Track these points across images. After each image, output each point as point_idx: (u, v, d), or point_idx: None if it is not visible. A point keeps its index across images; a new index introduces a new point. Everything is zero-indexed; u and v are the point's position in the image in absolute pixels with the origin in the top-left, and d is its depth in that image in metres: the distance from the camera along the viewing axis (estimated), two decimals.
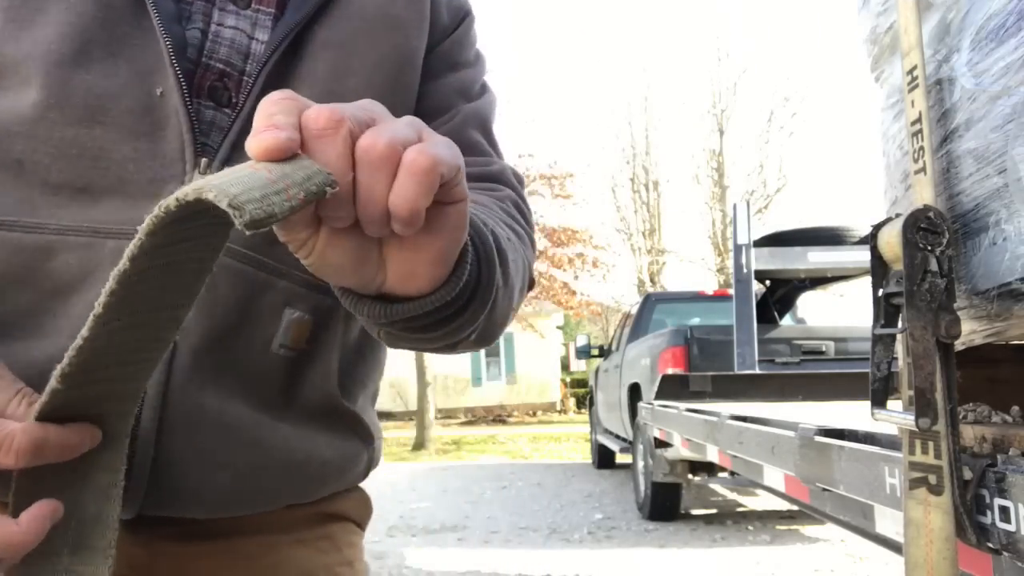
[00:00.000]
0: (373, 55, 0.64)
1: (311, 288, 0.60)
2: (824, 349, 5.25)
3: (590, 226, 15.92)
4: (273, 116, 0.36)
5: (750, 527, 5.03)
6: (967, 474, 0.77)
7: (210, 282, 0.50)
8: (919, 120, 0.83)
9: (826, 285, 5.94)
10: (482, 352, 14.81)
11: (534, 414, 18.51)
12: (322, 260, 0.39)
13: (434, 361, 13.21)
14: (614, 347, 7.75)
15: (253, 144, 0.35)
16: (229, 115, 0.59)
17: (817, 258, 4.99)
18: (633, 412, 5.73)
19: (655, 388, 4.11)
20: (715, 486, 6.38)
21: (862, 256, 4.64)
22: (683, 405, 3.12)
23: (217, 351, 0.56)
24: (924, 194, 0.81)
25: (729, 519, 5.34)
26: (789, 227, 5.91)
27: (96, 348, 0.41)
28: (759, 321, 4.99)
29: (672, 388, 3.95)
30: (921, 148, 0.82)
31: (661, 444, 4.64)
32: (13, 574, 0.44)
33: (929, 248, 0.77)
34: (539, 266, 13.68)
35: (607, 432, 7.70)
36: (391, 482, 7.56)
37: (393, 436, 13.01)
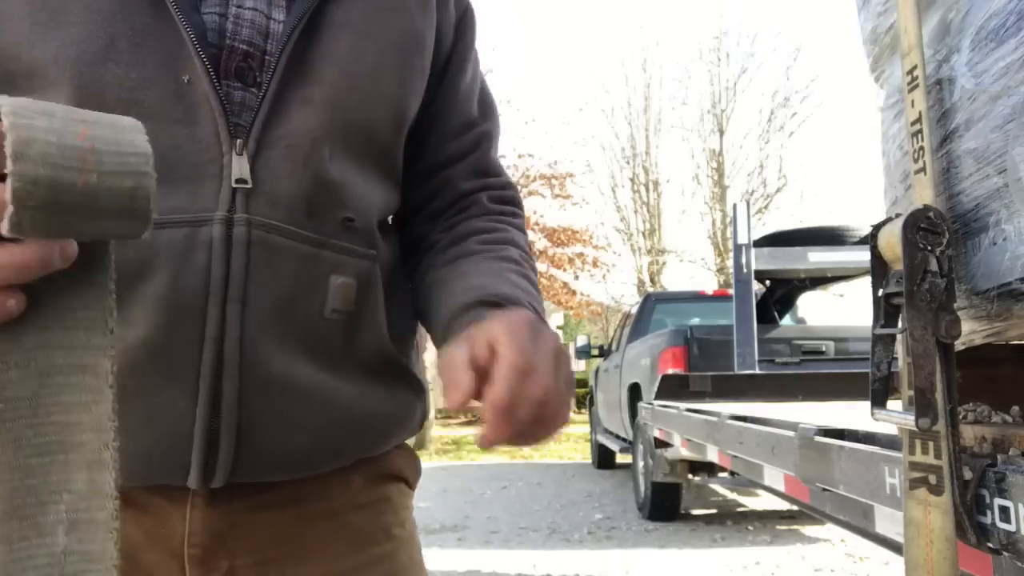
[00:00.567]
0: (386, 37, 0.67)
1: (350, 254, 0.64)
2: (824, 349, 5.25)
3: (590, 226, 15.92)
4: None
5: (750, 527, 5.03)
6: (967, 474, 0.77)
7: (264, 259, 0.57)
8: (919, 120, 0.83)
9: (826, 285, 5.94)
10: None
11: None
12: None
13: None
14: (614, 347, 7.74)
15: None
16: (256, 95, 0.60)
17: (817, 258, 4.99)
18: (633, 412, 5.73)
19: (655, 388, 4.12)
20: (715, 486, 6.38)
21: (862, 256, 4.64)
22: (683, 405, 3.12)
23: (279, 321, 0.59)
24: (924, 194, 0.81)
25: (729, 519, 5.34)
26: (789, 227, 5.91)
27: None
28: (759, 321, 4.99)
29: (672, 388, 3.95)
30: (921, 148, 0.82)
31: (661, 444, 4.64)
32: (4, 561, 0.41)
33: (929, 248, 0.77)
34: (539, 266, 13.66)
35: (607, 432, 7.70)
36: None
37: None
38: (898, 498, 0.94)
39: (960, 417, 0.89)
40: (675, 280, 19.83)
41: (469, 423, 17.20)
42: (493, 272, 0.69)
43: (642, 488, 5.41)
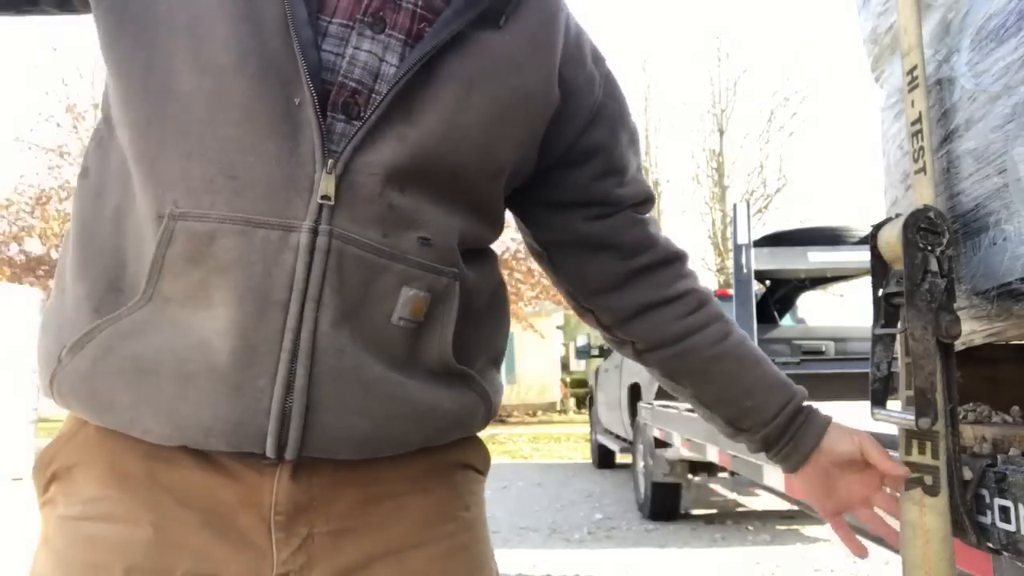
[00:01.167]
0: (492, 94, 0.73)
1: (426, 269, 0.70)
2: (824, 349, 5.24)
3: None
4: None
5: (750, 527, 5.03)
6: (967, 474, 0.77)
7: (336, 265, 0.65)
8: (919, 120, 0.83)
9: (826, 285, 5.93)
10: None
11: (534, 414, 18.50)
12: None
13: None
14: None
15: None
16: (356, 126, 0.67)
17: (817, 258, 4.98)
18: (633, 412, 5.72)
19: (655, 388, 4.11)
20: (715, 486, 6.37)
21: (862, 256, 4.64)
22: (683, 405, 3.12)
23: (349, 322, 0.67)
24: (924, 194, 0.81)
25: (729, 519, 5.34)
26: (789, 227, 5.90)
27: None
28: (759, 321, 4.99)
29: None
30: (921, 148, 0.82)
31: (661, 444, 4.64)
32: None
33: (929, 248, 0.77)
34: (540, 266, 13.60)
35: (607, 432, 7.70)
36: None
37: None
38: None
39: (960, 417, 0.89)
40: None
41: None
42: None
43: (642, 488, 5.41)
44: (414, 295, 0.69)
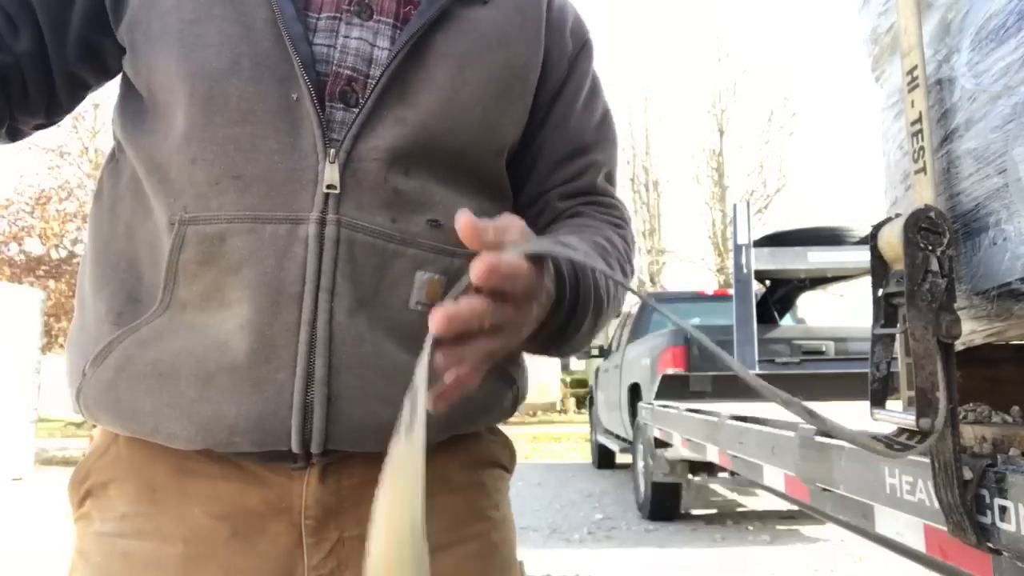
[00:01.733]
0: (486, 69, 0.73)
1: (439, 252, 0.70)
2: (824, 349, 5.25)
3: None
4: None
5: (750, 527, 5.04)
6: (967, 474, 0.77)
7: (347, 253, 0.65)
8: (919, 120, 0.83)
9: (826, 285, 5.94)
10: None
11: (534, 414, 18.50)
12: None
13: None
14: (614, 347, 7.74)
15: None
16: (354, 113, 0.68)
17: (817, 258, 4.99)
18: (633, 412, 5.73)
19: (655, 388, 4.11)
20: (715, 486, 6.38)
21: (862, 256, 4.64)
22: (683, 405, 3.12)
23: (366, 309, 0.67)
24: (924, 194, 0.81)
25: (729, 519, 5.34)
26: (789, 227, 5.91)
27: None
28: (759, 321, 4.99)
29: (672, 388, 3.95)
30: (921, 148, 0.82)
31: (661, 444, 4.64)
32: None
33: (930, 248, 0.77)
34: None
35: (607, 432, 7.70)
36: None
37: None
38: (898, 498, 0.94)
39: (960, 417, 0.89)
40: (675, 280, 19.83)
41: None
42: (556, 235, 0.74)
43: (642, 488, 5.41)
44: (428, 278, 0.69)
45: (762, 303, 5.66)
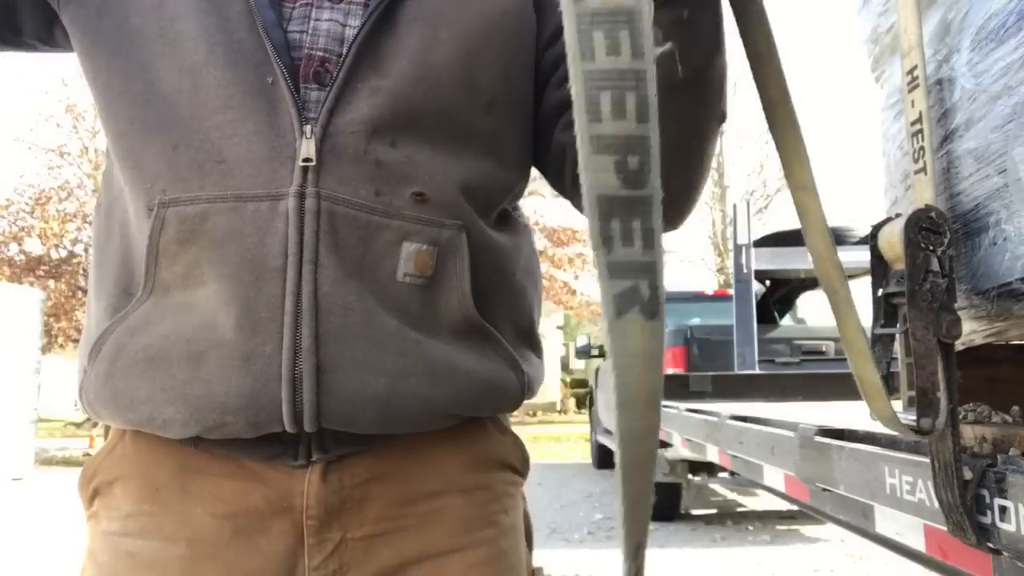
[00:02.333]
0: (459, 25, 0.72)
1: (425, 223, 0.69)
2: (824, 349, 5.25)
3: None
4: None
5: (750, 527, 5.04)
6: (967, 474, 0.77)
7: (329, 226, 0.65)
8: (919, 120, 0.83)
9: None
10: None
11: (534, 414, 18.50)
12: None
13: None
14: None
15: None
16: (328, 90, 0.68)
17: None
18: None
19: None
20: (715, 486, 6.38)
21: (862, 256, 4.63)
22: (683, 405, 3.12)
23: (353, 280, 0.67)
24: (924, 194, 0.81)
25: (729, 519, 5.34)
26: (789, 227, 5.90)
27: None
28: (759, 321, 4.99)
29: (672, 388, 3.95)
30: (921, 148, 0.82)
31: (661, 444, 4.63)
32: None
33: (931, 248, 0.77)
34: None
35: (607, 432, 7.70)
36: None
37: None
38: (898, 498, 0.94)
39: (960, 417, 0.89)
40: (675, 280, 19.82)
41: None
42: None
43: None
44: (416, 249, 0.68)
45: (762, 303, 5.66)
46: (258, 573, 0.67)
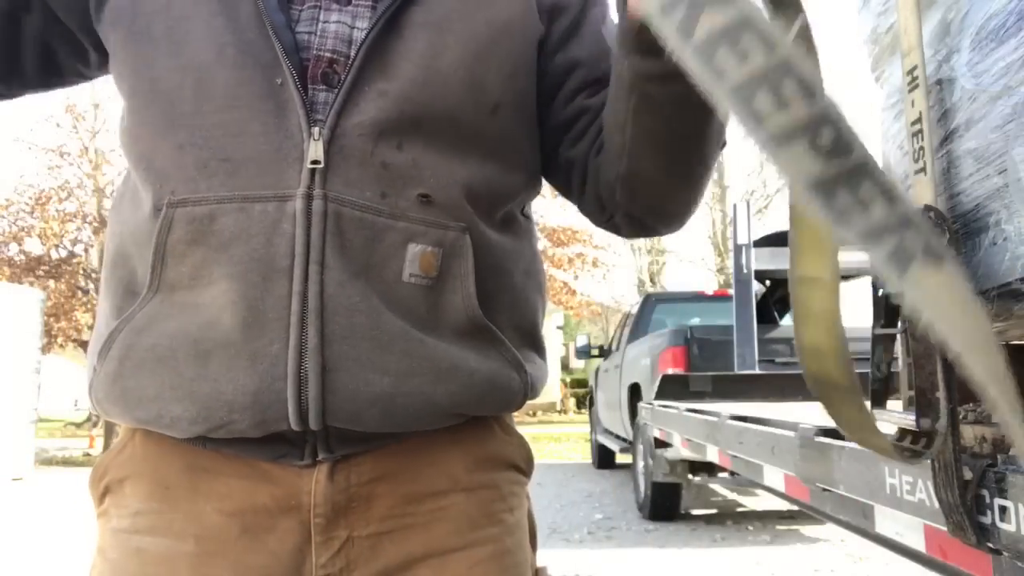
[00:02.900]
0: (466, 32, 0.73)
1: (430, 225, 0.70)
2: None
3: (590, 226, 15.90)
4: None
5: (750, 527, 5.04)
6: (967, 474, 0.77)
7: (335, 227, 0.66)
8: (919, 120, 0.83)
9: None
10: None
11: (534, 414, 18.51)
12: None
13: None
14: (614, 347, 7.74)
15: None
16: (336, 91, 0.69)
17: None
18: (633, 412, 5.73)
19: (655, 388, 4.11)
20: (715, 486, 6.38)
21: (862, 256, 4.63)
22: (683, 405, 3.12)
23: (359, 281, 0.67)
24: (924, 194, 0.81)
25: (729, 519, 5.34)
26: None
27: None
28: (759, 321, 4.99)
29: (672, 388, 3.95)
30: (921, 148, 0.82)
31: (661, 444, 4.64)
32: None
33: None
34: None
35: (607, 432, 7.70)
36: None
37: None
38: (898, 498, 0.94)
39: (960, 417, 0.89)
40: (675, 280, 19.81)
41: None
42: None
43: (642, 488, 5.41)
44: (421, 250, 0.69)
45: (762, 303, 5.66)
46: (266, 570, 0.67)
